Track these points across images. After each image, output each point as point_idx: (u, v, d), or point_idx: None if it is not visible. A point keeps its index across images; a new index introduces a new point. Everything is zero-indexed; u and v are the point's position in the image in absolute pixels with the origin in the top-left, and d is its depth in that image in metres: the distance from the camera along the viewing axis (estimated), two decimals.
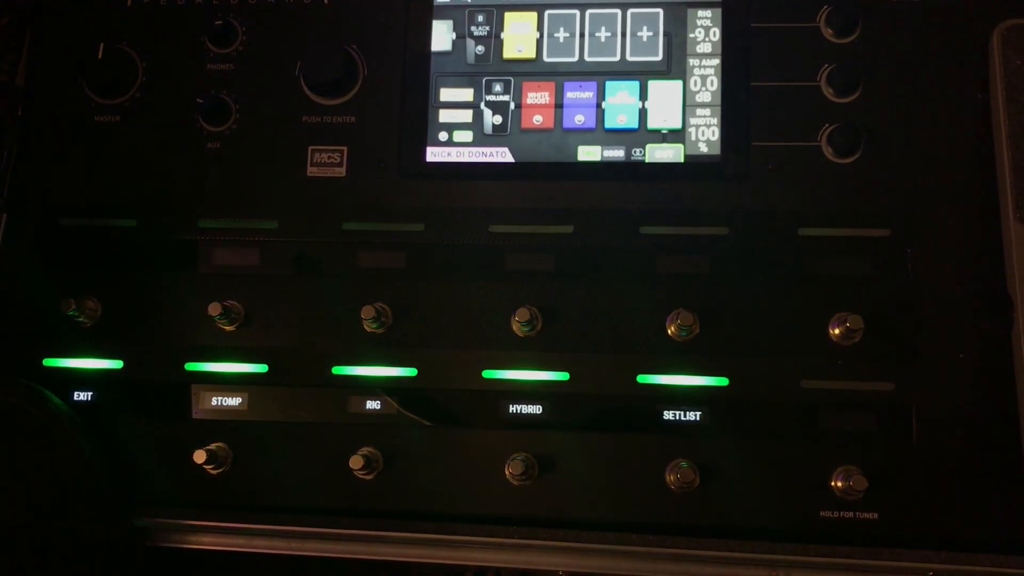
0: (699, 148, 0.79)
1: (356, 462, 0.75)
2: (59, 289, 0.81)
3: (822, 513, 0.74)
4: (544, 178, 0.80)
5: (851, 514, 0.73)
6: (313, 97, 0.83)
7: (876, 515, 0.73)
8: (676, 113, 0.80)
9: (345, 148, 0.82)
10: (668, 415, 0.77)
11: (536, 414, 0.78)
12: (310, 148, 0.83)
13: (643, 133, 0.80)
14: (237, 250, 0.82)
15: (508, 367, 0.78)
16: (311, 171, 0.82)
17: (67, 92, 0.85)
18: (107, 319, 0.82)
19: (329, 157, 0.82)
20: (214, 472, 0.78)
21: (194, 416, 0.80)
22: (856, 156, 0.78)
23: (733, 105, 0.79)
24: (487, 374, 0.78)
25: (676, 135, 0.80)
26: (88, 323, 0.82)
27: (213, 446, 0.78)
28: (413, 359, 0.79)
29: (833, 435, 0.75)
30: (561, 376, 0.78)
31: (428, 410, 0.79)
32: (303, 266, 0.81)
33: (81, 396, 0.81)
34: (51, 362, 0.82)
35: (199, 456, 0.77)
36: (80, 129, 0.85)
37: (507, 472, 0.75)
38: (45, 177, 0.84)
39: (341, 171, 0.82)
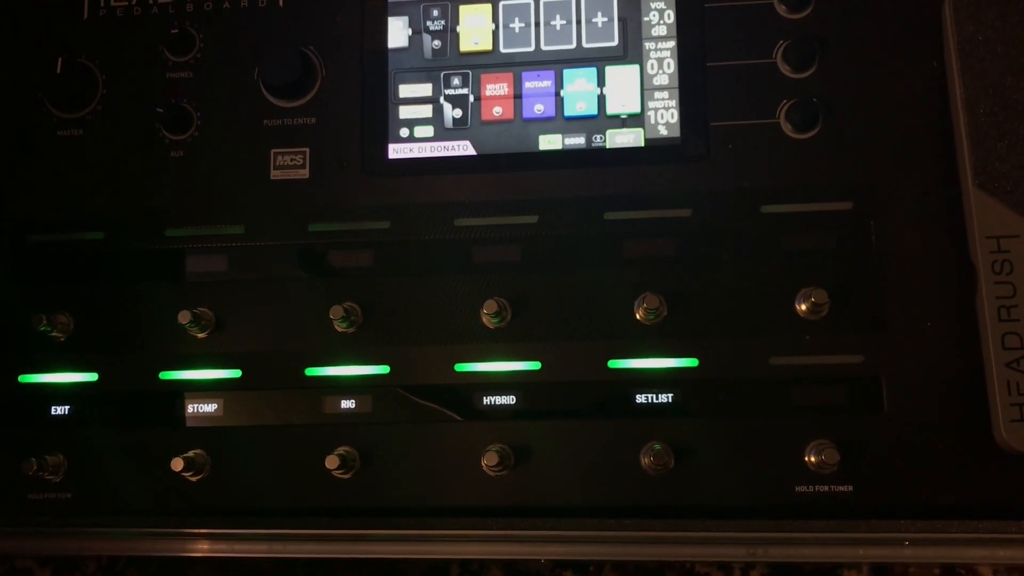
0: (659, 131, 0.80)
1: (332, 462, 0.76)
2: (30, 305, 0.82)
3: (797, 488, 0.74)
4: (506, 169, 0.80)
5: (826, 488, 0.74)
6: (273, 100, 0.83)
7: (850, 487, 0.73)
8: (634, 97, 0.80)
9: (307, 149, 0.83)
10: (640, 398, 0.77)
11: (510, 404, 0.78)
12: (272, 151, 0.83)
13: (603, 119, 0.80)
14: (205, 257, 0.82)
15: (480, 359, 0.78)
16: (274, 174, 0.82)
17: (28, 107, 0.85)
18: (80, 332, 0.82)
19: (292, 159, 0.83)
20: (193, 479, 0.79)
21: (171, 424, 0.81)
22: (815, 131, 0.78)
23: (690, 87, 0.79)
24: (459, 367, 0.78)
25: (635, 119, 0.80)
26: (61, 337, 0.82)
27: (191, 453, 0.78)
28: (385, 356, 0.79)
29: (804, 410, 0.75)
30: (533, 365, 0.78)
31: (402, 406, 0.79)
32: (272, 269, 0.81)
33: (58, 411, 0.82)
34: (26, 378, 0.82)
35: (176, 464, 0.77)
36: (43, 144, 0.85)
37: (483, 464, 0.76)
38: (10, 194, 0.85)
39: (304, 172, 0.82)
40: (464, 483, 0.77)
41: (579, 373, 0.77)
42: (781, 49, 0.79)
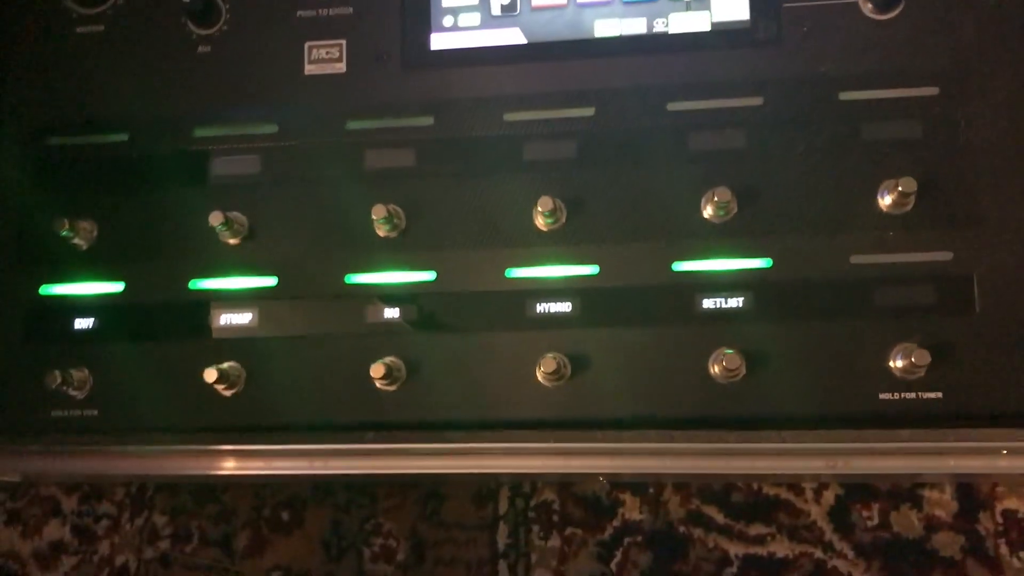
0: (726, 14, 0.73)
1: (378, 370, 0.71)
2: (51, 211, 0.77)
3: (881, 396, 0.68)
4: (560, 58, 0.75)
5: (913, 395, 0.68)
6: None
7: (940, 394, 0.68)
8: None
9: (344, 42, 0.77)
10: (708, 303, 0.71)
11: (565, 312, 0.73)
12: (307, 44, 0.78)
13: (665, 1, 0.74)
14: (236, 158, 0.77)
15: (533, 264, 0.73)
16: (309, 69, 0.77)
17: (46, 3, 0.81)
18: (104, 240, 0.78)
19: (327, 53, 0.77)
20: (227, 393, 0.74)
21: (203, 335, 0.76)
22: (898, 10, 0.72)
23: None
24: (511, 272, 0.73)
25: (701, 2, 0.74)
26: (84, 245, 0.77)
27: (224, 365, 0.73)
28: (431, 262, 0.74)
29: (888, 312, 0.69)
30: (590, 269, 0.72)
31: (450, 315, 0.74)
32: (308, 170, 0.76)
33: (82, 323, 0.77)
34: (48, 289, 0.77)
35: (209, 375, 0.72)
36: (62, 42, 0.80)
37: (538, 372, 0.70)
38: (29, 94, 0.80)
39: (341, 67, 0.77)
40: (517, 395, 0.72)
41: (640, 277, 0.72)
42: None
